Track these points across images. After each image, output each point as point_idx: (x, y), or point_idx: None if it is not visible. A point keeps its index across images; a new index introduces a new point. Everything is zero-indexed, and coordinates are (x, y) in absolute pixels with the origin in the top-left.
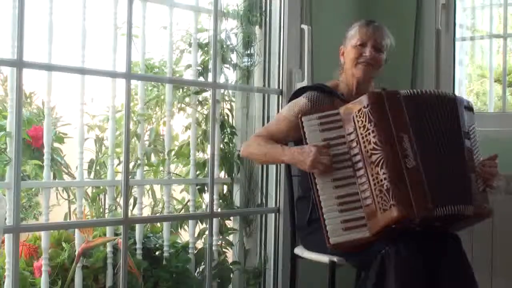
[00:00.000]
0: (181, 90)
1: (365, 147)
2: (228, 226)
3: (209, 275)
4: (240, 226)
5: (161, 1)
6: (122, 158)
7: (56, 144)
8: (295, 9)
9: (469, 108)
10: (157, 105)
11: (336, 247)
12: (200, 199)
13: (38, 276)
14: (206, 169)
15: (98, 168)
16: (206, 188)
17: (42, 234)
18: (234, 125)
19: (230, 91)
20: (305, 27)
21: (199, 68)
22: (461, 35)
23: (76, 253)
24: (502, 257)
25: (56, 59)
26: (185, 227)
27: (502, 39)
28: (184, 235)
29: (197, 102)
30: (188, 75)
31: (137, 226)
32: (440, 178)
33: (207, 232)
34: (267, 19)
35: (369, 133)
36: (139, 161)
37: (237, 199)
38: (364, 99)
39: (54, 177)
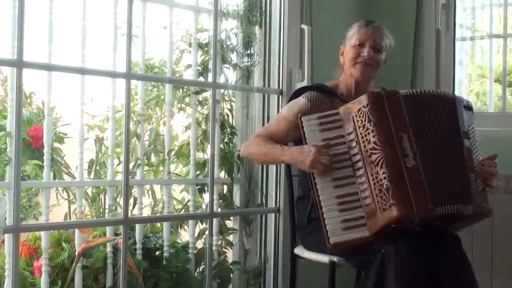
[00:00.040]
0: (181, 90)
1: (364, 146)
2: (228, 226)
3: (209, 275)
4: (240, 226)
5: (161, 1)
6: (122, 158)
7: (56, 144)
8: (295, 9)
9: (469, 108)
10: (157, 105)
11: (336, 246)
12: (200, 199)
13: (38, 276)
14: (206, 169)
15: (98, 168)
16: (206, 188)
17: (42, 234)
18: (234, 125)
19: (230, 91)
20: (305, 27)
21: (199, 68)
22: (461, 35)
23: (76, 253)
24: (502, 256)
25: (56, 59)
26: (185, 227)
27: (502, 39)
28: (184, 235)
29: (197, 102)
30: (188, 75)
31: (137, 226)
32: (440, 177)
33: (207, 232)
34: (267, 19)
35: (368, 133)
36: (139, 161)
37: (237, 199)
38: (363, 99)
39: (54, 177)
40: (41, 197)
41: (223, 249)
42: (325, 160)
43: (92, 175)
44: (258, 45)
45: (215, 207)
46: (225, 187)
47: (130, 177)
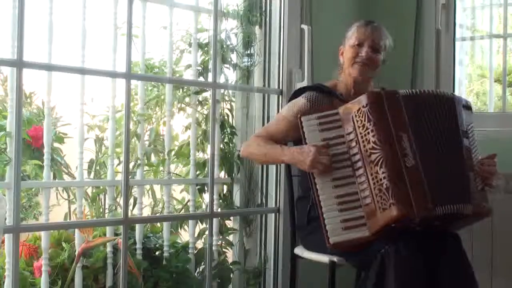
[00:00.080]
0: (181, 90)
1: (364, 146)
2: (228, 226)
3: (209, 275)
4: (240, 226)
5: (161, 1)
6: (122, 158)
7: (56, 144)
8: (295, 9)
9: (468, 107)
10: (157, 105)
11: (335, 246)
12: (200, 199)
13: (38, 276)
14: (206, 169)
15: (98, 168)
16: (206, 188)
17: (42, 234)
18: (234, 125)
19: (230, 91)
20: (305, 27)
21: (199, 68)
22: (461, 35)
23: (76, 253)
24: (502, 256)
25: (56, 59)
26: (185, 227)
27: (502, 39)
28: (184, 235)
29: (197, 102)
30: (188, 75)
31: (137, 226)
32: (439, 177)
33: (207, 232)
34: (267, 19)
35: (368, 133)
36: (139, 161)
37: (237, 199)
38: (363, 99)
39: (54, 177)
40: (41, 197)
41: (223, 249)
42: (324, 160)
43: (92, 175)
44: (258, 45)
45: (215, 207)
46: (225, 187)
47: (130, 177)
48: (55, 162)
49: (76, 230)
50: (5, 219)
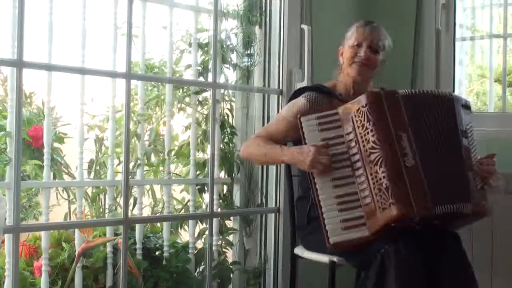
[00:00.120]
0: (181, 90)
1: (364, 146)
2: (228, 226)
3: (209, 275)
4: (240, 226)
5: (161, 1)
6: (122, 158)
7: (56, 144)
8: (295, 9)
9: (467, 107)
10: (157, 105)
11: (335, 246)
12: (200, 199)
13: (38, 276)
14: (206, 169)
15: (98, 168)
16: (206, 188)
17: (42, 234)
18: (234, 125)
19: (230, 91)
20: (305, 27)
21: (199, 68)
22: (461, 35)
23: (76, 253)
24: (502, 256)
25: (56, 59)
26: (185, 227)
27: (502, 39)
28: (184, 235)
29: (197, 102)
30: (188, 75)
31: (137, 226)
32: (439, 176)
33: (207, 232)
34: (267, 19)
35: (367, 132)
36: (139, 161)
37: (237, 199)
38: (362, 99)
39: (54, 177)
40: (41, 197)
41: (223, 249)
42: (324, 160)
43: (92, 175)
44: (258, 45)
45: (215, 207)
46: (225, 187)
47: (130, 177)
48: (55, 162)
49: (76, 230)
50: (5, 219)
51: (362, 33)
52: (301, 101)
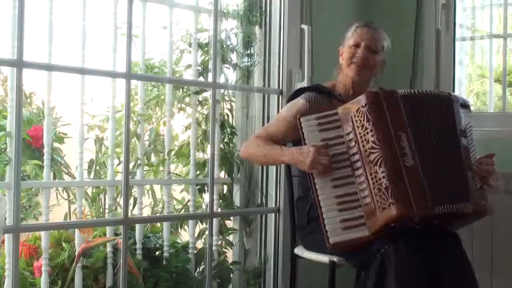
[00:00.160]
0: (181, 90)
1: (363, 146)
2: (228, 226)
3: (209, 275)
4: (240, 226)
5: (161, 1)
6: (122, 158)
7: (56, 144)
8: (295, 9)
9: (465, 106)
10: (157, 105)
11: (335, 246)
12: (200, 199)
13: (38, 276)
14: (206, 169)
15: (98, 168)
16: (206, 188)
17: (42, 234)
18: (234, 125)
19: (230, 91)
20: (305, 27)
21: (199, 68)
22: (461, 35)
23: (76, 253)
24: (502, 256)
25: (56, 59)
26: (185, 227)
27: (502, 39)
28: (184, 235)
29: (197, 102)
30: (188, 75)
31: (137, 226)
32: (438, 176)
33: (207, 232)
34: (267, 19)
35: (367, 132)
36: (139, 161)
37: (237, 199)
38: (362, 99)
39: (54, 177)
40: (41, 197)
41: (223, 249)
42: (324, 160)
43: (92, 175)
44: (258, 45)
45: (215, 207)
46: (225, 187)
47: (130, 177)
48: (55, 162)
49: (76, 230)
50: (5, 219)
51: (361, 33)
52: (300, 101)
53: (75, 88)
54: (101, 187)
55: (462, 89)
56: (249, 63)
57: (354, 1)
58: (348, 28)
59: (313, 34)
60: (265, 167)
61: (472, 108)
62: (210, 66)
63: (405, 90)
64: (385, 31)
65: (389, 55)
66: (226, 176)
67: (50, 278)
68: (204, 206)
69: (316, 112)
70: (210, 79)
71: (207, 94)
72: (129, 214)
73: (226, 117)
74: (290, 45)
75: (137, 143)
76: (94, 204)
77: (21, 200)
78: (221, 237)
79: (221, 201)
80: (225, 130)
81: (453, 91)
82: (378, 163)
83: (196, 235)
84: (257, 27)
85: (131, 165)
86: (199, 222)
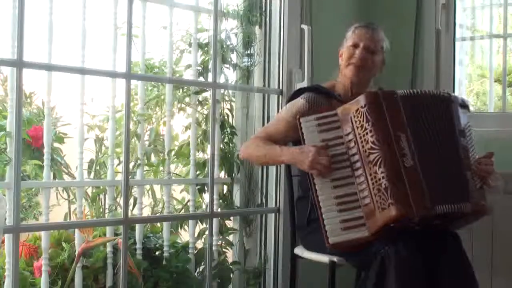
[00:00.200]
0: (181, 90)
1: (363, 146)
2: (228, 226)
3: (209, 275)
4: (240, 226)
5: (161, 1)
6: (122, 158)
7: (56, 144)
8: (295, 9)
9: (464, 106)
10: (157, 105)
11: (335, 247)
12: (200, 199)
13: (38, 276)
14: (206, 169)
15: (98, 168)
16: (206, 188)
17: (42, 234)
18: (234, 125)
19: (230, 91)
20: (305, 27)
21: (199, 68)
22: (461, 35)
23: (76, 253)
24: (502, 256)
25: (56, 59)
26: (185, 227)
27: (502, 39)
28: (184, 235)
29: (197, 102)
30: (188, 75)
31: (137, 226)
32: (438, 176)
33: (207, 232)
34: (267, 19)
35: (366, 133)
36: (139, 161)
37: (237, 199)
38: (361, 99)
39: (54, 177)
40: (41, 197)
41: (223, 249)
42: (324, 161)
43: (92, 175)
44: (258, 45)
45: (215, 207)
46: (225, 187)
47: (130, 177)
48: (55, 162)
49: (76, 230)
50: (5, 219)
51: (359, 34)
52: (300, 101)
53: (75, 88)
54: (101, 187)
55: (462, 89)
56: (249, 63)
57: (354, 1)
58: (348, 28)
59: (313, 34)
60: (265, 167)
61: (472, 108)
62: (210, 66)
63: (405, 91)
64: (385, 31)
65: (389, 55)
66: (226, 176)
67: (50, 278)
68: (204, 206)
69: (316, 113)
70: (210, 79)
71: (207, 94)
72: (129, 214)
73: (226, 117)
74: (290, 45)
75: (137, 143)
76: (94, 204)
77: (21, 200)
78: (221, 237)
79: (221, 201)
80: (225, 130)
81: (453, 91)
82: (378, 163)
83: (196, 235)
84: (257, 27)
85: (131, 165)
86: (199, 222)
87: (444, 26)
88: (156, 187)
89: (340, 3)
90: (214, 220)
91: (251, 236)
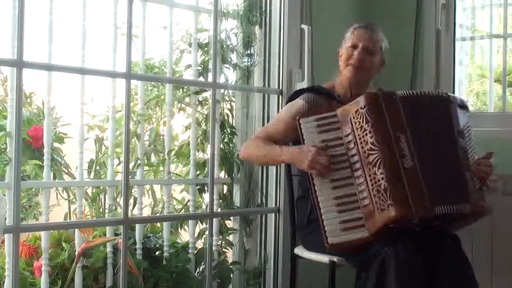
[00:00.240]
0: (181, 90)
1: (362, 147)
2: (228, 226)
3: (209, 275)
4: (240, 226)
5: (161, 1)
6: (122, 158)
7: (56, 144)
8: (295, 9)
9: (463, 107)
10: (157, 105)
11: (334, 247)
12: (200, 199)
13: (38, 276)
14: (206, 169)
15: (98, 168)
16: (206, 188)
17: (42, 234)
18: (234, 125)
19: (230, 91)
20: (305, 27)
21: (199, 68)
22: (461, 35)
23: (76, 253)
24: (502, 256)
25: (56, 59)
26: (185, 227)
27: (502, 39)
28: (184, 235)
29: (197, 102)
30: (188, 75)
31: (137, 226)
32: (437, 177)
33: (207, 232)
34: (267, 19)
35: (366, 134)
36: (139, 161)
37: (237, 199)
38: (361, 100)
39: (54, 177)
40: (41, 197)
41: (223, 249)
42: (323, 161)
43: (92, 175)
44: (258, 45)
45: (215, 207)
46: (225, 187)
47: (130, 177)
48: (55, 162)
49: (76, 230)
50: (5, 219)
51: (358, 35)
52: (299, 102)
53: (75, 88)
54: (101, 187)
55: (462, 89)
56: (249, 63)
57: (354, 1)
58: (348, 28)
59: (313, 34)
60: (265, 167)
61: (472, 108)
62: (210, 66)
63: (404, 92)
64: (385, 31)
65: (388, 55)
66: (226, 176)
67: (50, 278)
68: (204, 206)
69: (315, 114)
70: (210, 79)
71: (207, 94)
72: (129, 214)
73: (226, 117)
74: (290, 45)
75: (137, 143)
76: (94, 204)
77: (21, 200)
78: (221, 237)
79: (221, 201)
80: (225, 130)
81: (453, 91)
82: (377, 164)
83: (196, 235)
84: (257, 27)
85: (131, 165)
86: (199, 222)
87: (444, 26)
88: (156, 187)
89: (340, 3)
90: (214, 220)
91: (251, 236)
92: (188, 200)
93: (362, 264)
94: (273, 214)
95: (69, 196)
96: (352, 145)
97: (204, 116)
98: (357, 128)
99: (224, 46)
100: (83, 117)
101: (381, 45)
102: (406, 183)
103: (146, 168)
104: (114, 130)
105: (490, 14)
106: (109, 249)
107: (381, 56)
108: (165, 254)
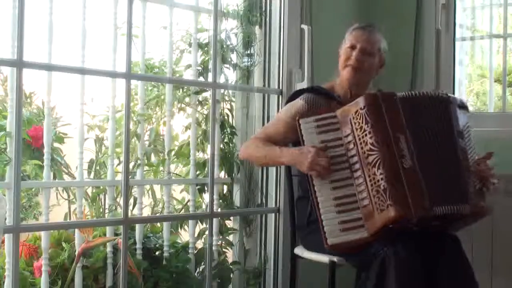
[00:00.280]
0: (181, 90)
1: (362, 148)
2: (228, 226)
3: (209, 275)
4: (240, 226)
5: (161, 1)
6: (122, 158)
7: (56, 144)
8: (295, 9)
9: (463, 107)
10: (157, 105)
11: (334, 248)
12: (200, 199)
13: (38, 276)
14: (206, 169)
15: (98, 168)
16: (206, 188)
17: (42, 234)
18: (234, 125)
19: (230, 91)
20: (305, 27)
21: (199, 68)
22: (461, 35)
23: (76, 253)
24: (502, 256)
25: (56, 59)
26: (185, 227)
27: (502, 39)
28: (184, 235)
29: (197, 102)
30: (188, 75)
31: (137, 226)
32: (436, 178)
33: (207, 232)
34: (267, 19)
35: (365, 134)
36: (139, 161)
37: (237, 199)
38: (360, 101)
39: (54, 177)
40: (41, 197)
41: (223, 249)
42: (323, 162)
43: (92, 175)
44: (258, 45)
45: (215, 207)
46: (225, 187)
47: (130, 177)
48: (55, 162)
49: (76, 230)
50: (5, 219)
51: (356, 36)
52: (299, 102)
53: (75, 88)
54: (101, 187)
55: (462, 89)
56: (249, 63)
57: (354, 1)
58: (348, 28)
59: (313, 34)
60: (265, 167)
61: (472, 108)
62: (210, 66)
63: (404, 92)
64: (385, 31)
65: (388, 55)
66: (226, 176)
67: (50, 278)
68: (204, 206)
69: (315, 114)
70: (210, 79)
71: (207, 94)
72: (129, 214)
73: (226, 117)
74: (290, 45)
75: (137, 143)
76: (94, 204)
77: (21, 200)
78: (221, 237)
79: (221, 201)
80: (225, 130)
81: (453, 91)
82: (377, 165)
83: (196, 235)
84: (257, 27)
85: (131, 165)
86: (199, 222)
87: (444, 26)
88: (156, 187)
89: (340, 3)
90: (214, 220)
91: (251, 236)
92: (188, 200)
93: (362, 264)
94: (273, 214)
95: (69, 196)
96: (351, 145)
97: (204, 116)
98: (356, 129)
99: (224, 46)
100: (83, 117)
101: (379, 46)
102: (406, 183)
103: (146, 168)
104: (114, 130)
105: (490, 14)
106: (109, 249)
107: (380, 57)
108: (165, 254)
